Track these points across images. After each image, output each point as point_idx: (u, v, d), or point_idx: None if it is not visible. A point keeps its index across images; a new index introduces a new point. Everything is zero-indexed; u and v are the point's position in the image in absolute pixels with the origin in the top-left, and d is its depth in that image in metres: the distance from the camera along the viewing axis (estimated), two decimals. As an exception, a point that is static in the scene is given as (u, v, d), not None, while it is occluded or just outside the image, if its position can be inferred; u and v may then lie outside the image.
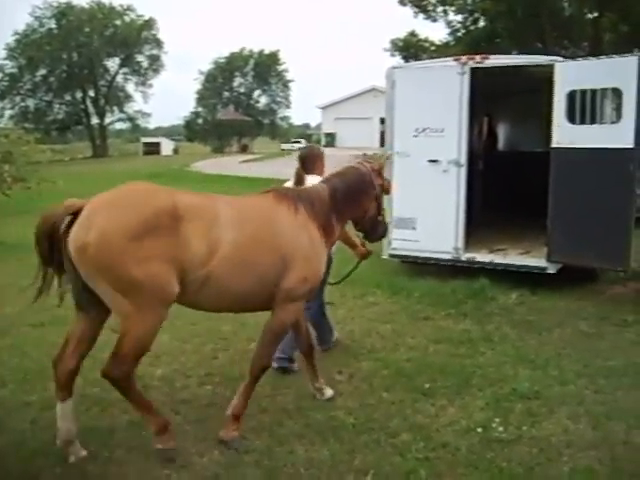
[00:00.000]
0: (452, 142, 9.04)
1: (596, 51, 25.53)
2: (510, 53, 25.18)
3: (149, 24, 75.24)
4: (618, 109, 7.86)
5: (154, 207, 4.02)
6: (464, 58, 9.02)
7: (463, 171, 9.06)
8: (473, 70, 8.88)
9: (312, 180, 5.38)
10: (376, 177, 5.35)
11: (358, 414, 4.96)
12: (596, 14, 28.55)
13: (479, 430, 4.68)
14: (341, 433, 4.65)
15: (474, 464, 4.23)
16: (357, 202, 5.18)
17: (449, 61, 9.21)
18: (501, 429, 4.69)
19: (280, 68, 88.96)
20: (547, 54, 14.62)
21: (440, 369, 5.87)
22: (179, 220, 4.04)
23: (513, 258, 9.17)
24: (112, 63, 75.15)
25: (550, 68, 8.37)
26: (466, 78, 8.87)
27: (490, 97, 11.64)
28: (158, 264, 3.95)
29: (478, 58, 8.95)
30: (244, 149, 70.28)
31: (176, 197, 4.15)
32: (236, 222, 4.34)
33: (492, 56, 9.13)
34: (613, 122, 7.98)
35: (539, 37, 30.11)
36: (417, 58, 31.48)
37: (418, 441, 4.52)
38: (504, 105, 13.17)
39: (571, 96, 8.17)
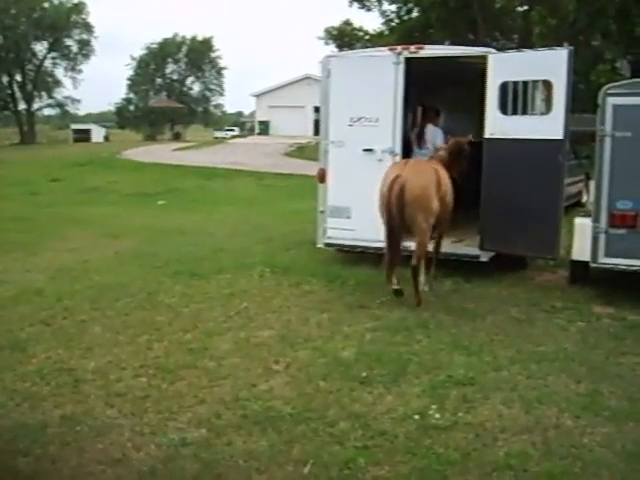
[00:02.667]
0: (387, 131, 9.08)
1: (526, 43, 26.18)
2: (443, 43, 25.52)
3: (78, 8, 73.14)
4: (548, 101, 8.04)
5: (438, 172, 7.74)
6: (399, 48, 9.05)
7: (397, 160, 9.10)
8: (408, 60, 8.92)
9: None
10: (466, 145, 8.45)
11: (296, 404, 4.95)
12: (526, 7, 29.22)
13: (416, 417, 4.73)
14: (279, 423, 4.63)
15: (412, 451, 4.27)
16: (459, 159, 8.38)
17: (384, 51, 9.24)
18: (438, 416, 4.75)
19: (213, 55, 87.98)
20: (478, 45, 14.83)
21: (377, 357, 5.90)
22: (439, 177, 7.67)
23: (447, 246, 9.26)
24: (40, 47, 72.91)
25: (483, 59, 8.49)
26: (401, 68, 8.90)
27: (424, 87, 11.73)
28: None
29: (413, 48, 9.00)
30: (177, 137, 69.32)
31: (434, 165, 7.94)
32: (443, 174, 7.86)
33: (427, 46, 9.21)
34: (543, 114, 8.17)
35: (471, 28, 30.64)
36: (351, 47, 31.65)
37: (356, 429, 4.54)
38: (438, 95, 13.28)
39: (504, 87, 8.31)
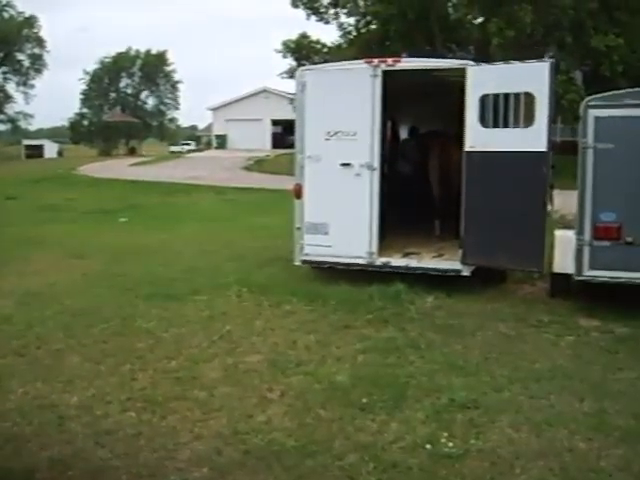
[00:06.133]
0: (365, 145, 8.91)
1: (482, 54, 26.36)
2: (400, 55, 25.56)
3: (30, 22, 72.01)
4: (531, 113, 7.96)
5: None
6: (376, 60, 8.88)
7: (376, 174, 8.94)
8: (385, 73, 8.78)
9: None
10: None
11: (298, 435, 4.71)
12: (482, 19, 29.53)
13: (427, 446, 4.52)
14: (284, 458, 4.38)
15: (428, 484, 4.08)
16: None
17: (361, 63, 9.08)
18: (450, 444, 4.55)
19: (168, 69, 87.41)
20: (435, 57, 14.77)
21: (373, 381, 5.69)
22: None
23: (427, 262, 9.15)
24: (-9, 62, 71.52)
25: (462, 72, 8.38)
26: (378, 81, 8.75)
27: (394, 100, 11.63)
28: None
29: (390, 61, 8.86)
30: (132, 152, 68.34)
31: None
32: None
33: (404, 59, 9.10)
34: (526, 126, 8.09)
35: (428, 40, 30.85)
36: (309, 60, 31.55)
37: (367, 462, 4.32)
38: (410, 108, 13.21)
39: (483, 100, 8.22)
